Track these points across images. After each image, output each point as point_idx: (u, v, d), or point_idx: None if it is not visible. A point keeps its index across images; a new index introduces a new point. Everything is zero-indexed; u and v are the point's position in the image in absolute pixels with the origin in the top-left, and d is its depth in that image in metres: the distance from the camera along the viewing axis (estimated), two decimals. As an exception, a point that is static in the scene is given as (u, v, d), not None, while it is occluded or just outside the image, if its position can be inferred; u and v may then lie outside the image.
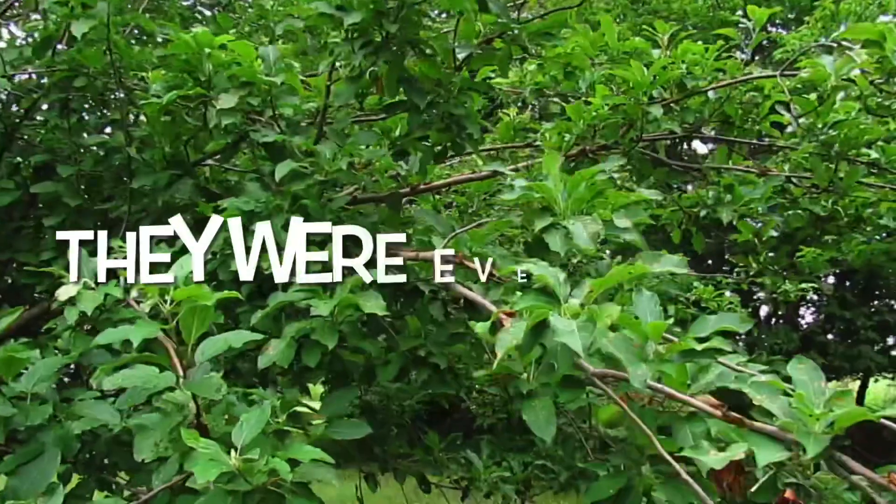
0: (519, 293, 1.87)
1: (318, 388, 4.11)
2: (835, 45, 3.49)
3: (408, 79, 2.86)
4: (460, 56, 3.31)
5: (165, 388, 2.14)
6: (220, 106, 2.85)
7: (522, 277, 2.45)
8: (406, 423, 4.90)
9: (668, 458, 1.74)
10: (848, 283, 12.58)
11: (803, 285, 6.04)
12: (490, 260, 2.41)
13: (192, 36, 3.19)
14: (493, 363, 4.82)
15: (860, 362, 12.01)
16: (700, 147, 12.52)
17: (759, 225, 4.78)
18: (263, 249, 2.77)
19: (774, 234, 4.95)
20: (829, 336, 12.87)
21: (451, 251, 2.60)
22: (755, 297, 11.64)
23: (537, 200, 2.31)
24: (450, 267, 2.49)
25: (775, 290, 6.28)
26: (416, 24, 2.86)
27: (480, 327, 1.78)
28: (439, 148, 3.33)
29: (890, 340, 13.23)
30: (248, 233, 2.83)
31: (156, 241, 3.17)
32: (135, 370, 2.11)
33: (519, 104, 5.10)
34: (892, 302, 13.12)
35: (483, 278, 2.49)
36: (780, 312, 12.94)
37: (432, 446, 4.95)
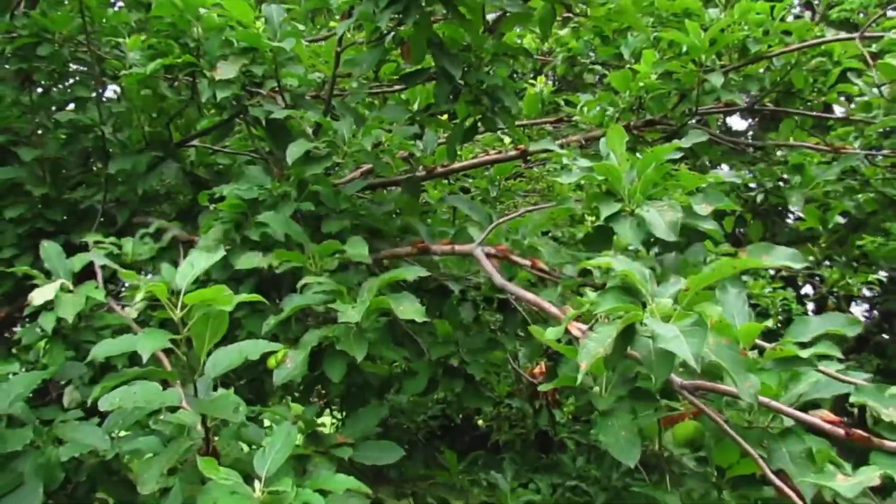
0: (591, 293, 1.80)
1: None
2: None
3: (437, 42, 2.78)
4: (491, 17, 3.24)
5: (167, 409, 2.08)
6: (220, 76, 2.76)
7: (582, 274, 2.39)
8: (420, 442, 4.85)
9: (780, 483, 1.68)
10: (907, 276, 12.54)
11: (872, 277, 5.99)
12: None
13: (179, -6, 3.10)
14: (521, 372, 4.74)
15: (921, 366, 11.98)
16: (737, 123, 12.43)
17: (824, 210, 4.72)
18: (265, 244, 2.70)
19: (841, 220, 4.90)
20: (886, 336, 12.84)
21: (491, 246, 2.54)
22: (801, 291, 11.61)
23: (601, 183, 2.24)
24: (495, 263, 2.43)
25: (837, 283, 6.23)
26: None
27: (551, 333, 1.71)
28: (468, 124, 3.24)
29: (954, 341, 13.21)
30: (249, 224, 2.77)
31: (139, 236, 3.11)
32: (134, 387, 2.04)
33: (548, 74, 5.03)
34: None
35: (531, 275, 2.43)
36: (829, 309, 12.92)
37: (451, 467, 4.90)
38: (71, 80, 4.01)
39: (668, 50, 4.00)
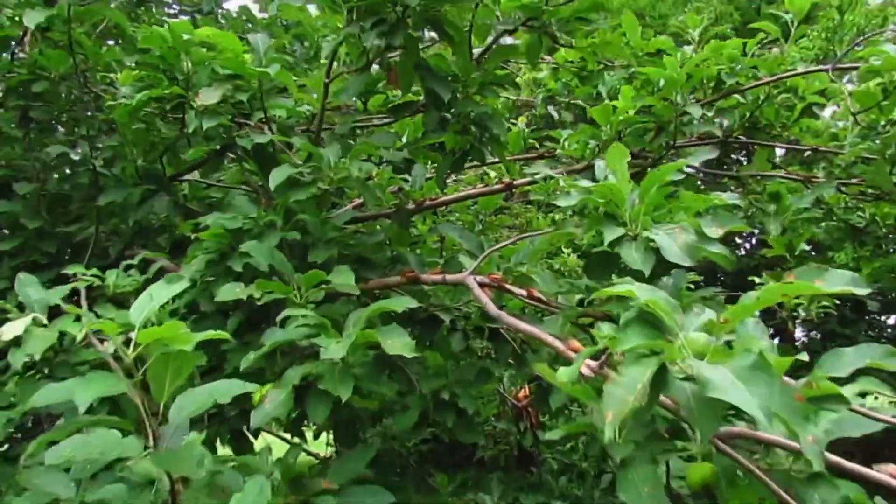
0: (605, 326, 1.35)
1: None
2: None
3: (426, 66, 2.35)
4: (477, 52, 2.84)
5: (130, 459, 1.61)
6: (201, 102, 2.32)
7: (583, 304, 1.94)
8: (412, 466, 4.36)
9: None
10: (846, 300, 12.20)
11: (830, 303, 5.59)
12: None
13: (169, 28, 2.67)
14: (507, 395, 4.25)
15: (859, 380, 11.56)
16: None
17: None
18: (253, 274, 2.24)
19: (806, 247, 4.51)
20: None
21: (484, 275, 2.09)
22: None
23: (601, 206, 1.81)
24: (488, 293, 1.98)
25: (796, 308, 5.82)
26: (438, -1, 2.37)
27: (565, 375, 1.27)
28: (457, 155, 2.82)
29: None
30: (234, 254, 2.31)
31: (124, 267, 2.64)
32: (90, 436, 1.57)
33: (529, 117, 4.63)
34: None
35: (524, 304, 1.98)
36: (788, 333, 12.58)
37: (441, 489, 4.40)
38: (70, 118, 3.58)
39: (643, 89, 3.62)
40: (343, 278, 2.09)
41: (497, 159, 4.46)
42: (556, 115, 4.57)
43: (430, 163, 3.62)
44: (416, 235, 3.44)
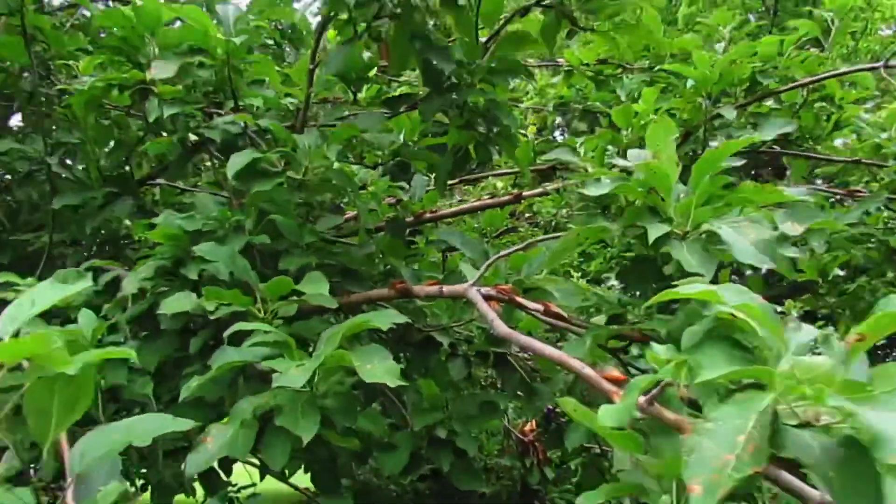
0: (666, 349, 0.94)
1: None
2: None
3: (423, 35, 1.96)
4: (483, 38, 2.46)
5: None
6: (154, 75, 1.94)
7: (612, 322, 1.53)
8: (407, 507, 3.90)
9: None
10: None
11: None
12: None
13: (132, 6, 2.30)
14: (511, 429, 3.79)
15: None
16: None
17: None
18: (213, 284, 1.84)
19: (840, 272, 4.09)
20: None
21: (490, 286, 1.68)
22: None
23: (639, 198, 1.40)
24: (496, 308, 1.57)
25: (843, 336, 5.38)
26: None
27: (609, 417, 0.86)
28: (460, 154, 2.42)
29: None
30: (189, 260, 1.90)
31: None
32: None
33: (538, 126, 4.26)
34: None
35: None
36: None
37: (438, 534, 3.94)
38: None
39: (670, 93, 3.24)
40: (315, 286, 1.68)
41: (501, 171, 4.08)
42: (565, 123, 4.19)
43: (429, 170, 3.24)
44: (414, 248, 3.03)
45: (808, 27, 3.07)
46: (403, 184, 2.97)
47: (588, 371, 1.16)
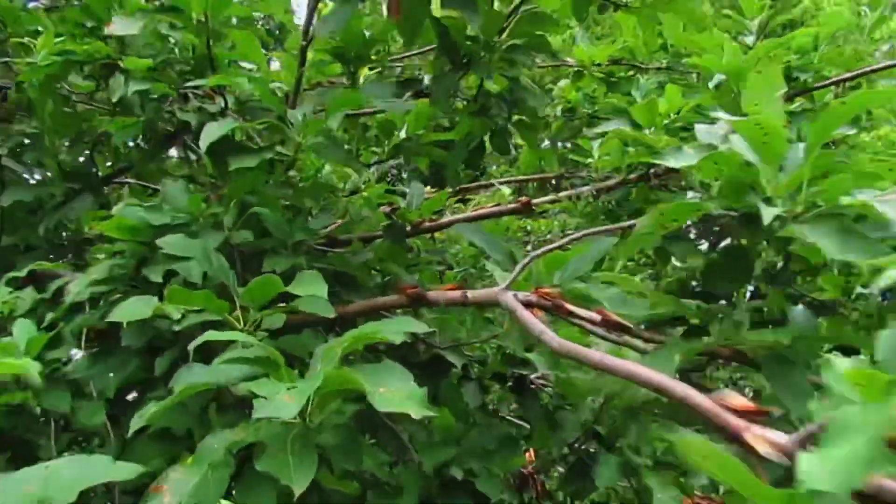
0: (841, 359, 0.61)
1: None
2: None
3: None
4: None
5: None
6: (113, 31, 1.59)
7: (691, 334, 1.19)
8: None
9: None
10: None
11: None
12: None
13: (97, -30, 1.96)
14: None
15: None
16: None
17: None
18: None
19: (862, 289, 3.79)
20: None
21: (528, 291, 1.34)
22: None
23: (736, 172, 1.07)
24: (540, 316, 1.22)
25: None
26: None
27: (821, 478, 0.53)
28: (474, 144, 2.08)
29: None
30: (153, 260, 1.54)
31: (5, 281, 1.86)
32: None
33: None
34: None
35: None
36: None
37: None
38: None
39: (692, 89, 2.94)
40: (309, 287, 1.32)
41: (507, 179, 3.75)
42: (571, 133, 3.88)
43: (432, 175, 2.91)
44: (414, 257, 2.68)
45: (840, 21, 2.80)
46: (402, 188, 2.63)
47: (700, 399, 0.82)
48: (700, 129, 1.22)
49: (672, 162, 1.06)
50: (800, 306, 1.36)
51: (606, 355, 0.93)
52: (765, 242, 1.11)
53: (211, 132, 1.44)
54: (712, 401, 0.82)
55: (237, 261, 1.69)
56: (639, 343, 1.21)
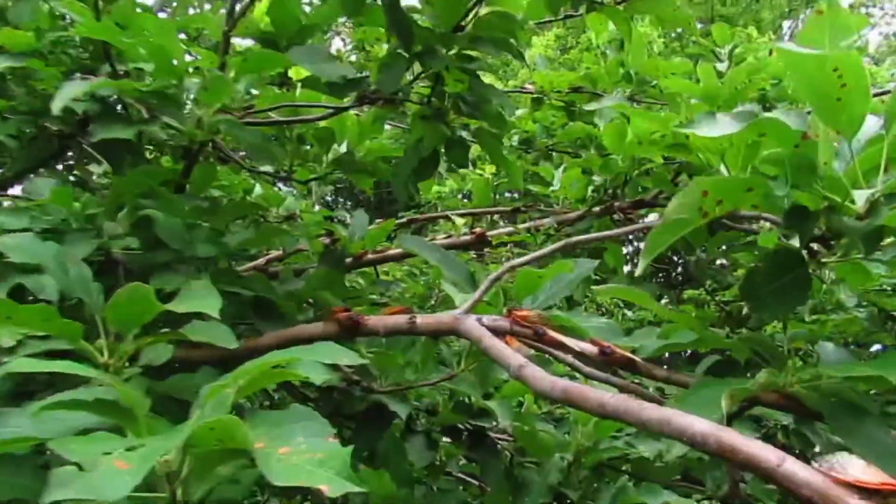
0: None
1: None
2: None
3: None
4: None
5: None
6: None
7: (723, 370, 0.86)
8: None
9: None
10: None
11: None
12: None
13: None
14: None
15: None
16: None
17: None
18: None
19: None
20: None
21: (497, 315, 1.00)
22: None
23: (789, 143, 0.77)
24: (516, 347, 0.88)
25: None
26: None
27: None
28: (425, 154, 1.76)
29: None
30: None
31: None
32: None
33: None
34: None
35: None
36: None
37: None
38: None
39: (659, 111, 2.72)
40: (198, 302, 0.96)
41: (461, 211, 3.44)
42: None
43: (371, 198, 2.57)
44: (353, 290, 2.31)
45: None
46: (342, 213, 2.30)
47: (800, 471, 0.49)
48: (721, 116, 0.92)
49: (704, 130, 0.75)
50: (830, 344, 1.06)
51: (635, 401, 0.59)
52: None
53: (67, 92, 1.07)
54: (821, 474, 0.49)
55: (122, 279, 1.31)
56: (651, 382, 0.88)
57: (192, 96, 1.20)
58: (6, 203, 1.40)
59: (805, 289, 0.79)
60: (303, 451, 0.65)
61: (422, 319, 1.05)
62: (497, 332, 0.91)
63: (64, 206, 1.22)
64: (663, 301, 4.62)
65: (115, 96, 1.48)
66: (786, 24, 16.57)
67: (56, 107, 1.06)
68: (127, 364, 1.05)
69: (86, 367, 0.81)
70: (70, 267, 1.03)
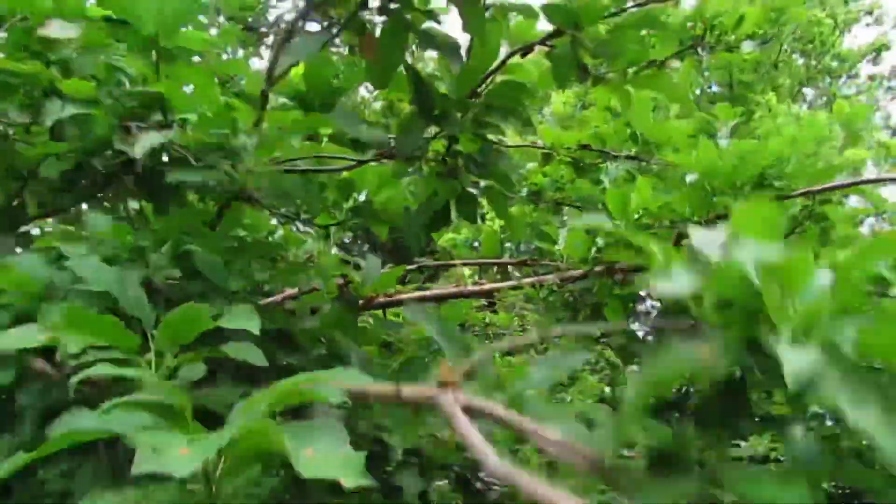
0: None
1: None
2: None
3: (423, 31, 1.53)
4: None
5: None
6: (49, 32, 1.44)
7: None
8: None
9: None
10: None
11: None
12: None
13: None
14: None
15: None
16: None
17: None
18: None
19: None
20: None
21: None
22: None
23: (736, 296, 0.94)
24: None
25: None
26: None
27: None
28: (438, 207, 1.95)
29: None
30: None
31: None
32: None
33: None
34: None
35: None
36: None
37: None
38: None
39: (661, 181, 2.91)
40: (240, 320, 1.14)
41: (468, 261, 3.62)
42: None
43: (390, 245, 2.76)
44: (364, 330, 2.48)
45: (818, 129, 2.80)
46: (358, 259, 2.48)
47: None
48: (698, 236, 1.09)
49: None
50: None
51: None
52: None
53: (148, 139, 1.27)
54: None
55: (162, 306, 1.49)
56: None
57: (247, 148, 1.39)
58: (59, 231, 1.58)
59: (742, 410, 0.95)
60: (326, 453, 0.82)
61: (407, 391, 1.21)
62: (470, 412, 1.06)
63: (119, 238, 1.42)
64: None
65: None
66: (808, 91, 16.82)
67: (138, 152, 1.26)
68: (166, 377, 1.23)
69: (146, 373, 0.99)
70: (129, 289, 1.22)
